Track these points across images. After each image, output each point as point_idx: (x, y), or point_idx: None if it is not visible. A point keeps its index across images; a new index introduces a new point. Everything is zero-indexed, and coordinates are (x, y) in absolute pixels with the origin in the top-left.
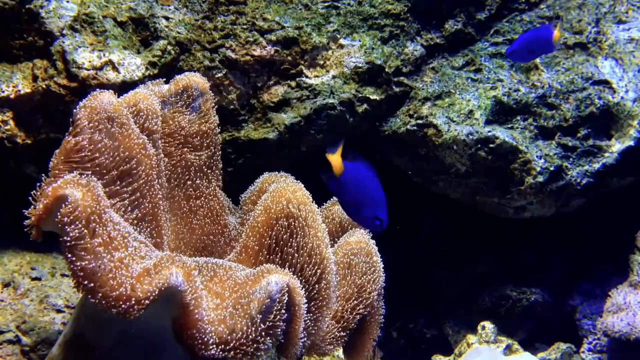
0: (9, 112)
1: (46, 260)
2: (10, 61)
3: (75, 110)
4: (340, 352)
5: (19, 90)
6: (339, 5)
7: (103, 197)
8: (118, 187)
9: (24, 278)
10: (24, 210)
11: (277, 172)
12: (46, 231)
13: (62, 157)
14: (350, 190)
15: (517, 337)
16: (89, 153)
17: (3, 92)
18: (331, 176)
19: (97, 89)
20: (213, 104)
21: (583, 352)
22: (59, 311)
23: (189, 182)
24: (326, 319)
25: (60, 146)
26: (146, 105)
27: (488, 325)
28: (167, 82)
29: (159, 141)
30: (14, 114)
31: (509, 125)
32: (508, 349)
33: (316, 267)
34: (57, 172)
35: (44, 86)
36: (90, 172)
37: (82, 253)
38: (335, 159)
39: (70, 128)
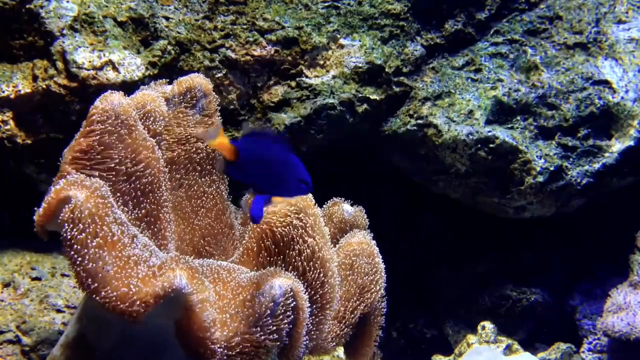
0: (9, 112)
1: (46, 260)
2: (10, 61)
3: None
4: (341, 352)
5: (19, 90)
6: (339, 5)
7: (108, 199)
8: (125, 189)
9: (24, 278)
10: (26, 210)
11: None
12: (49, 230)
13: (71, 158)
14: (255, 168)
15: (517, 337)
16: (97, 154)
17: (3, 92)
18: (226, 163)
19: (97, 89)
20: (216, 105)
21: (583, 352)
22: (59, 311)
23: (191, 182)
24: (328, 321)
25: (69, 147)
26: (153, 107)
27: (488, 325)
28: (169, 83)
29: (163, 142)
30: (14, 114)
31: (509, 125)
32: (508, 349)
33: (318, 270)
34: (65, 172)
35: (44, 86)
36: (97, 173)
37: (85, 254)
38: (219, 143)
39: (81, 128)
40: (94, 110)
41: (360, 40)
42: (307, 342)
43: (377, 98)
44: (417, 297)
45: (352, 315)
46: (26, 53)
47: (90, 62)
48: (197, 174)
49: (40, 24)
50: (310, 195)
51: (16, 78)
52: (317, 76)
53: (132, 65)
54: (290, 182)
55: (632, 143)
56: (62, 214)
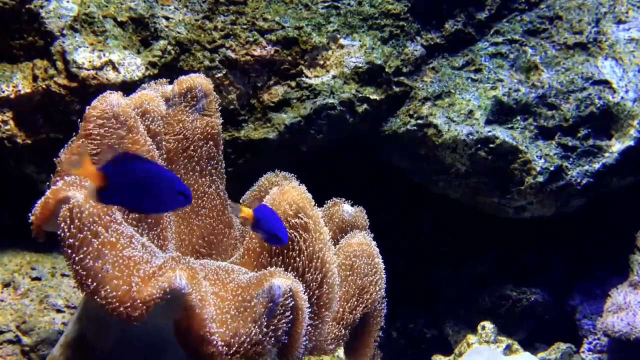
0: (9, 112)
1: (46, 260)
2: (11, 61)
3: (85, 112)
4: (340, 352)
5: (19, 90)
6: (339, 5)
7: None
8: None
9: (24, 278)
10: (26, 210)
11: (279, 172)
12: (47, 231)
13: (69, 158)
14: (128, 189)
15: (517, 337)
16: (96, 155)
17: (3, 92)
18: (97, 189)
19: (97, 89)
20: (217, 105)
21: (583, 352)
22: (59, 311)
23: (191, 182)
24: (327, 321)
25: (67, 146)
26: (152, 107)
27: (488, 325)
28: (169, 83)
29: (162, 142)
30: (14, 114)
31: (509, 125)
32: (508, 349)
33: (318, 271)
34: (63, 173)
35: (44, 86)
36: None
37: (85, 253)
38: (85, 170)
39: (79, 129)
40: (92, 111)
41: (360, 40)
42: (307, 342)
43: (377, 98)
44: (417, 297)
45: (352, 316)
46: (26, 53)
47: (90, 62)
48: (197, 174)
49: (40, 24)
50: (310, 196)
51: (16, 78)
52: (317, 76)
53: (132, 65)
54: (167, 196)
55: (632, 143)
56: (60, 214)
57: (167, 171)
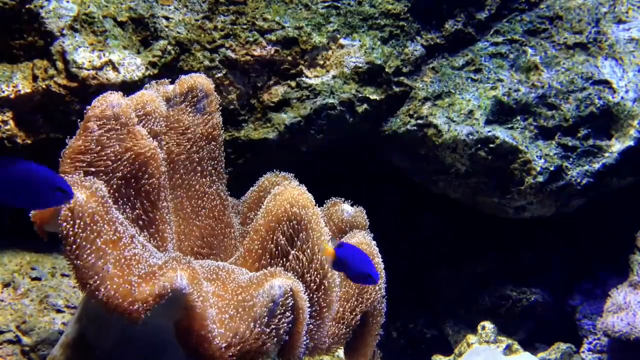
0: (9, 112)
1: (46, 260)
2: (10, 61)
3: (85, 112)
4: (340, 352)
5: (19, 90)
6: (339, 5)
7: (107, 199)
8: (124, 190)
9: (24, 278)
10: (26, 211)
11: (279, 172)
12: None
13: (70, 159)
14: (5, 188)
15: (517, 337)
16: (96, 155)
17: (3, 92)
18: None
19: (97, 89)
20: (217, 105)
21: (583, 352)
22: (59, 311)
23: (192, 182)
24: (328, 321)
25: (68, 147)
26: (153, 108)
27: (488, 325)
28: (170, 83)
29: (163, 142)
30: (14, 114)
31: (509, 125)
32: (508, 349)
33: (318, 271)
34: (64, 173)
35: (44, 86)
36: (96, 174)
37: (86, 253)
38: None
39: (79, 129)
40: (92, 111)
41: (360, 40)
42: (307, 342)
43: (377, 98)
44: (417, 297)
45: (352, 316)
46: (26, 53)
47: (90, 62)
48: (197, 174)
49: (40, 24)
50: (310, 196)
51: (16, 78)
52: (317, 76)
53: (132, 65)
54: (45, 193)
55: (632, 143)
56: (62, 214)
57: (45, 169)
